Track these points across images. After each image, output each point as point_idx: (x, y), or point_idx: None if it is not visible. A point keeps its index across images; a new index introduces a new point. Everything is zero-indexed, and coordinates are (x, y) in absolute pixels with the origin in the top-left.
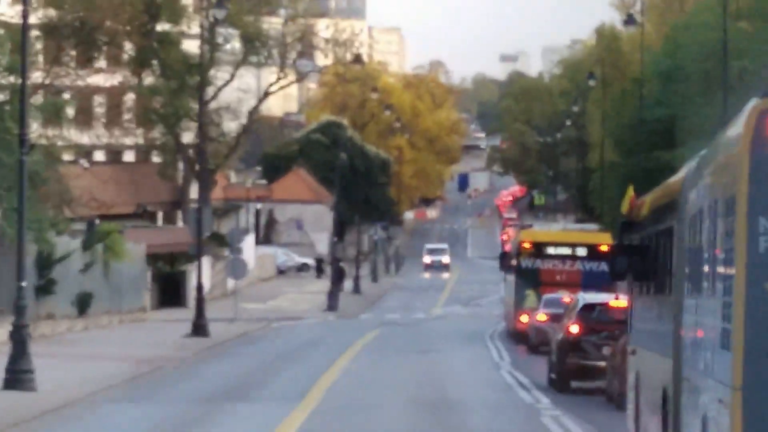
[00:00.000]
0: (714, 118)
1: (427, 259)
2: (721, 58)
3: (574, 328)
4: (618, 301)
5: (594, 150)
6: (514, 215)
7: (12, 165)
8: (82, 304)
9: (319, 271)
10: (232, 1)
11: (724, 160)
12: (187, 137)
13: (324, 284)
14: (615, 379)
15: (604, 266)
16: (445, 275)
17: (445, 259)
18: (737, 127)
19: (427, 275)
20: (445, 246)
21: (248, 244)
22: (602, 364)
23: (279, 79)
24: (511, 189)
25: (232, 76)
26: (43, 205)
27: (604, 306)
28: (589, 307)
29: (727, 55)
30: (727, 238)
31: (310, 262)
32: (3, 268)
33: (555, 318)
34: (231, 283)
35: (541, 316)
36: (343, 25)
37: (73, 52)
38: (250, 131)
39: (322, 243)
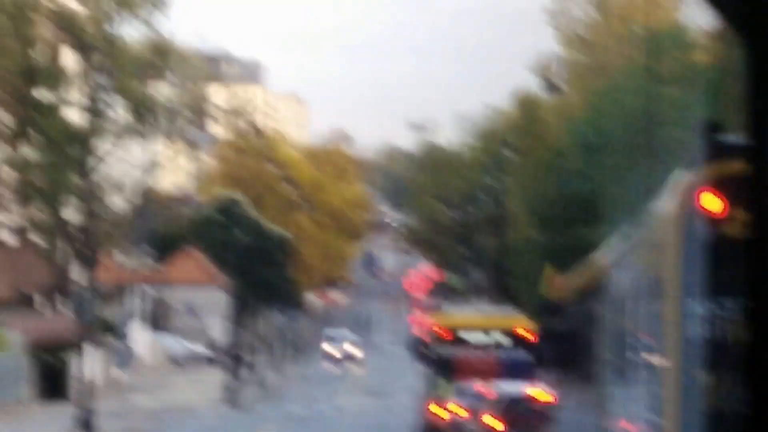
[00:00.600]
0: (640, 191)
1: (326, 347)
2: (647, 125)
3: (492, 421)
4: (539, 391)
5: (512, 227)
6: (425, 297)
7: None
8: None
9: (212, 360)
10: (117, 65)
11: (652, 238)
12: (70, 215)
13: (219, 374)
14: None
15: (523, 353)
16: (351, 366)
17: (349, 347)
18: (665, 203)
19: (327, 366)
20: (347, 332)
21: (137, 330)
22: None
23: (169, 150)
24: (422, 269)
25: (118, 148)
26: None
27: (524, 396)
28: (507, 398)
29: (653, 123)
30: (656, 322)
31: (203, 350)
32: None
33: (474, 411)
34: (118, 373)
35: (454, 407)
36: (238, 90)
37: None
38: (138, 208)
39: (217, 329)
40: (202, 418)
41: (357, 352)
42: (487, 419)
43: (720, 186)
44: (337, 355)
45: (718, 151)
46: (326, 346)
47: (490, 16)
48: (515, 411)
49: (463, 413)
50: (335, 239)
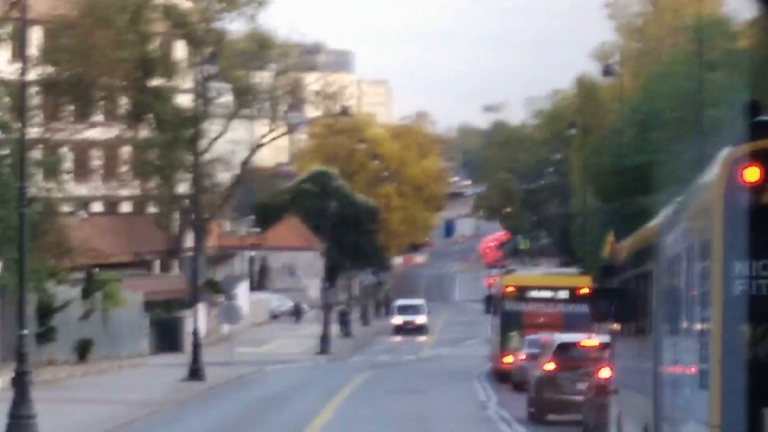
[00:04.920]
0: (689, 164)
1: (397, 319)
2: (695, 106)
3: (550, 366)
4: (590, 340)
5: (575, 196)
6: (498, 259)
7: (12, 217)
8: (82, 350)
9: (297, 315)
10: (224, 56)
11: (700, 206)
12: (182, 188)
13: (315, 328)
14: (591, 412)
15: (584, 308)
16: (421, 338)
17: (420, 318)
18: (711, 175)
19: (398, 339)
20: (420, 302)
21: (242, 290)
22: (578, 398)
23: (270, 131)
24: (496, 234)
25: (225, 129)
26: (42, 256)
27: (578, 345)
28: (563, 347)
29: (701, 104)
30: (704, 281)
31: (304, 306)
32: (5, 317)
33: (535, 357)
34: (226, 328)
35: (524, 356)
36: (331, 78)
37: (71, 107)
38: (243, 182)
39: (313, 288)
40: (300, 367)
41: (437, 312)
42: (545, 364)
43: (759, 159)
44: (408, 328)
45: (757, 129)
46: (396, 319)
47: (554, 9)
48: (570, 357)
49: (528, 359)
50: (418, 208)
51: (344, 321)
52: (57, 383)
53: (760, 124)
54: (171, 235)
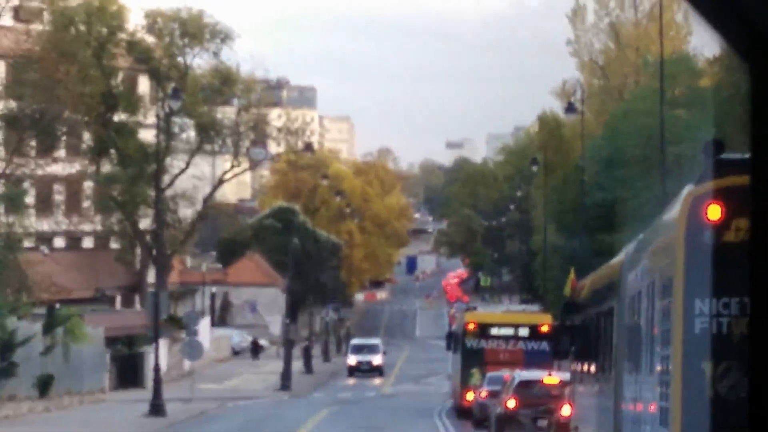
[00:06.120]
0: (652, 201)
1: (351, 359)
2: (658, 144)
3: (511, 403)
4: (551, 377)
5: (537, 233)
6: (460, 296)
7: None
8: (43, 385)
9: (255, 352)
10: (187, 92)
11: (661, 243)
12: (144, 223)
13: (277, 364)
14: None
15: (545, 345)
16: (377, 381)
17: (376, 359)
18: (673, 212)
19: (350, 381)
20: (376, 341)
21: (204, 326)
22: None
23: (233, 166)
24: (458, 271)
25: (188, 164)
26: (2, 292)
27: (539, 382)
28: (524, 384)
29: (663, 142)
30: (665, 318)
31: (263, 342)
32: None
33: (496, 394)
34: (187, 363)
35: (485, 393)
36: (294, 114)
37: (33, 142)
38: (206, 217)
39: (275, 324)
40: (262, 403)
41: (382, 362)
42: (506, 401)
43: (722, 197)
44: (363, 368)
45: (720, 167)
46: (350, 359)
47: (517, 47)
48: (530, 394)
49: (489, 396)
50: (380, 245)
51: (307, 357)
52: (18, 419)
53: (724, 162)
54: (133, 271)
